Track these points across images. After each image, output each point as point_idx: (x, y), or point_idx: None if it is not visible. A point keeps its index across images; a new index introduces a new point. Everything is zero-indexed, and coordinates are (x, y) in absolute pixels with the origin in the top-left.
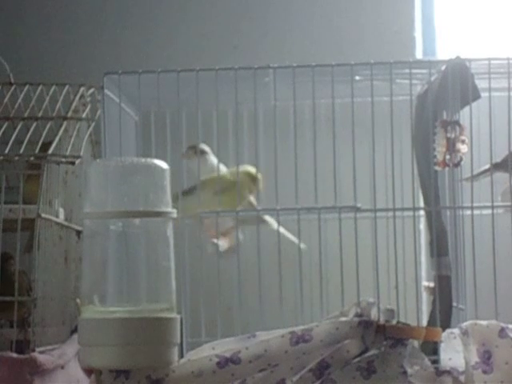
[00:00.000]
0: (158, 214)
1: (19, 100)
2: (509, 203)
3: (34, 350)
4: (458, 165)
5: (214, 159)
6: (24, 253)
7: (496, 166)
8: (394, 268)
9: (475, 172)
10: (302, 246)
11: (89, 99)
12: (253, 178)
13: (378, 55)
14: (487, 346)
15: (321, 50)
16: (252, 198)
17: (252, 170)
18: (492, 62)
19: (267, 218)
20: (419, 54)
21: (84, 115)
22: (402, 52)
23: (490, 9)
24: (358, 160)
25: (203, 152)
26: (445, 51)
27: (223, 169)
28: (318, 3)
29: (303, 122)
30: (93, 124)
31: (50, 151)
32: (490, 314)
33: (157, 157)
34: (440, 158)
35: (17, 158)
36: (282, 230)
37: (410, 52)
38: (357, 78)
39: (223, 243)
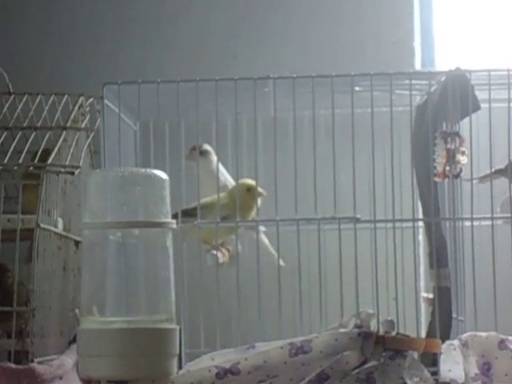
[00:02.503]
0: (158, 225)
1: (18, 110)
2: (508, 214)
3: (32, 361)
4: (457, 176)
5: (215, 160)
6: (24, 264)
7: (498, 172)
8: (393, 279)
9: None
10: (282, 263)
11: (88, 109)
12: (253, 192)
13: (376, 65)
14: (487, 358)
15: (319, 60)
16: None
17: (251, 183)
18: (492, 73)
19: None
20: (418, 65)
21: (83, 125)
22: (401, 62)
23: (489, 20)
24: (357, 171)
25: (207, 152)
26: (444, 62)
27: (223, 170)
28: (317, 14)
29: (303, 132)
30: (92, 134)
31: (50, 161)
32: (490, 326)
33: (156, 167)
34: (440, 169)
35: (16, 167)
36: (266, 242)
37: (409, 62)
38: (356, 88)
39: (222, 254)
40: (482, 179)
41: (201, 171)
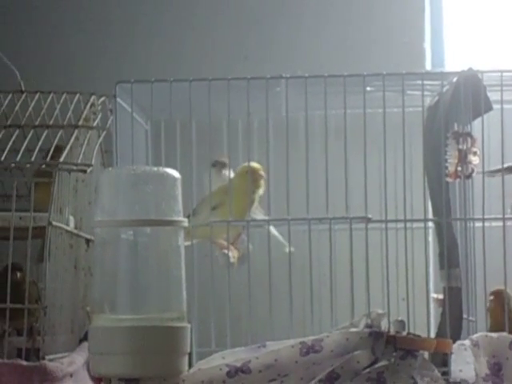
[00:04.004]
0: (170, 223)
1: (30, 108)
2: None
3: (43, 358)
4: (469, 176)
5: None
6: (37, 263)
7: (509, 169)
8: (403, 279)
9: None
10: (292, 249)
11: (99, 108)
12: (254, 175)
13: (387, 66)
14: (497, 358)
15: (330, 61)
16: (257, 204)
17: (252, 165)
18: (504, 74)
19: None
20: (428, 66)
21: (95, 124)
22: (411, 63)
23: (500, 20)
24: (368, 171)
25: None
26: (454, 63)
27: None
28: (328, 14)
29: (314, 132)
30: (103, 133)
31: (62, 159)
32: None
33: (167, 166)
34: (452, 169)
35: (28, 165)
36: (275, 232)
37: (420, 63)
38: (368, 88)
39: (233, 253)
40: (492, 173)
41: (218, 181)
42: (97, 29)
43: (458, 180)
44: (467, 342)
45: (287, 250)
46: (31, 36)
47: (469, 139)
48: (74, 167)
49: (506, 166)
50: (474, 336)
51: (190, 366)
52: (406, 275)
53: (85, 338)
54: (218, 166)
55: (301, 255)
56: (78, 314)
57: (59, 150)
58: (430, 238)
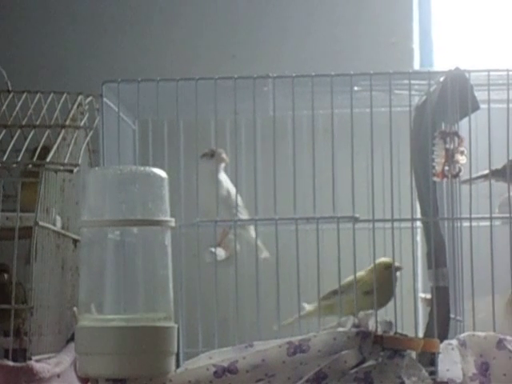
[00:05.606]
0: (156, 223)
1: (17, 108)
2: (506, 215)
3: (30, 359)
4: (456, 176)
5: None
6: (25, 265)
7: (495, 173)
8: None
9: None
10: (267, 254)
11: (87, 108)
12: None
13: (375, 66)
14: (485, 358)
15: (318, 61)
16: (243, 205)
17: (388, 261)
18: (491, 73)
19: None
20: (417, 66)
21: (82, 123)
22: (399, 63)
23: (488, 20)
24: (356, 171)
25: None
26: (442, 63)
27: (223, 177)
28: (316, 14)
29: (301, 132)
30: (90, 132)
31: (48, 159)
32: (488, 326)
33: (154, 166)
34: (439, 169)
35: (15, 165)
36: (253, 235)
37: (408, 63)
38: (355, 88)
39: (221, 252)
40: (476, 180)
41: (209, 173)
42: (84, 29)
43: (445, 179)
44: (454, 342)
45: (263, 255)
46: (18, 36)
47: (456, 138)
48: (61, 167)
49: (492, 169)
50: (462, 336)
51: (178, 366)
52: (394, 275)
53: (72, 339)
54: (216, 156)
55: (288, 255)
56: (65, 315)
57: (46, 149)
58: (418, 238)
